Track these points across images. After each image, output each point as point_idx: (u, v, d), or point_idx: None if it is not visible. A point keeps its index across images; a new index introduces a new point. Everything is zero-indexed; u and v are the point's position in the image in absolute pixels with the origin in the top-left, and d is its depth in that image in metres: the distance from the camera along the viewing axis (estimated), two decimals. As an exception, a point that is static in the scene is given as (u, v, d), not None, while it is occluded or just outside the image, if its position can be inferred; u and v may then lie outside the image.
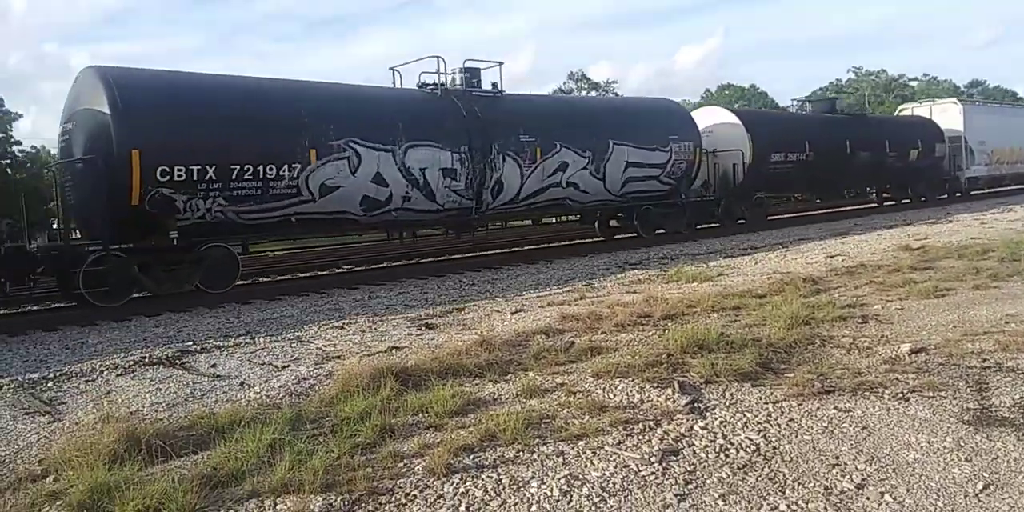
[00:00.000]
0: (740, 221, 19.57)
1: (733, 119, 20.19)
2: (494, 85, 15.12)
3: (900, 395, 4.54)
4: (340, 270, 14.90)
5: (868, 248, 12.83)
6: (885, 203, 27.12)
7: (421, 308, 9.26)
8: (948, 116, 28.02)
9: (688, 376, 5.13)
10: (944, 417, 4.14)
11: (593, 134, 15.79)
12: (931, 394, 4.53)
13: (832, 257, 11.74)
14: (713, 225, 18.98)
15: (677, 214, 17.70)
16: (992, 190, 30.77)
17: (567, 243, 18.30)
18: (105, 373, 6.32)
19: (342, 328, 8.02)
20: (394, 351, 6.56)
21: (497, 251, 17.07)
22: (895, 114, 32.52)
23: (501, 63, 15.28)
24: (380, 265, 15.44)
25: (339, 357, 6.45)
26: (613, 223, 18.04)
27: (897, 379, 4.87)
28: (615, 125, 16.49)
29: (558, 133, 15.13)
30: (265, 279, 13.83)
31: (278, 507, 3.42)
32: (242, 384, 5.72)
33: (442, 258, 16.00)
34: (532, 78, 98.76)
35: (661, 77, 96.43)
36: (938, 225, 16.71)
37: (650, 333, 6.63)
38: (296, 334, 7.83)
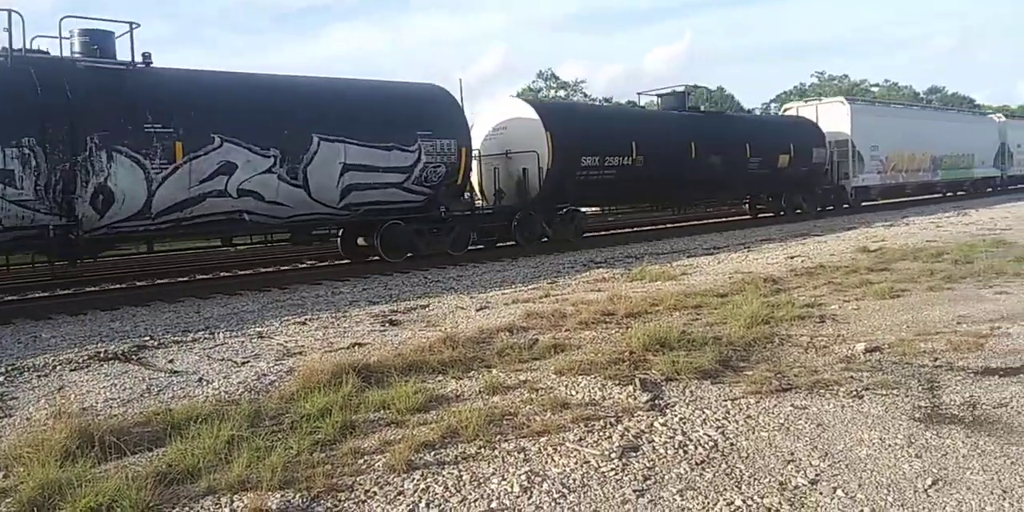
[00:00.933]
0: (544, 240, 16.00)
1: (530, 113, 15.90)
2: (145, 56, 10.87)
3: (855, 393, 4.64)
4: (303, 266, 14.75)
5: (827, 250, 13.07)
6: (761, 215, 23.57)
7: (385, 304, 9.21)
8: (834, 117, 24.56)
9: (650, 373, 5.18)
10: (896, 414, 4.23)
11: (284, 125, 11.61)
12: (884, 392, 4.63)
13: (792, 258, 11.94)
14: (509, 244, 15.50)
15: (442, 231, 13.93)
16: (889, 201, 27.96)
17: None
18: (58, 368, 6.17)
19: (304, 324, 7.94)
20: (357, 347, 6.51)
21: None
22: (780, 114, 29.31)
23: (133, 24, 10.74)
24: (345, 261, 15.31)
25: (300, 353, 6.38)
26: (361, 242, 13.92)
27: (852, 377, 4.97)
28: (325, 115, 12.16)
29: (220, 123, 10.95)
30: (226, 274, 13.64)
31: (235, 504, 3.37)
32: (200, 380, 5.63)
33: (408, 254, 15.90)
34: (504, 75, 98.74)
35: (631, 78, 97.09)
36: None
37: (613, 331, 6.68)
38: (257, 329, 7.73)
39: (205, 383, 5.53)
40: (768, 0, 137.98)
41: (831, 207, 24.53)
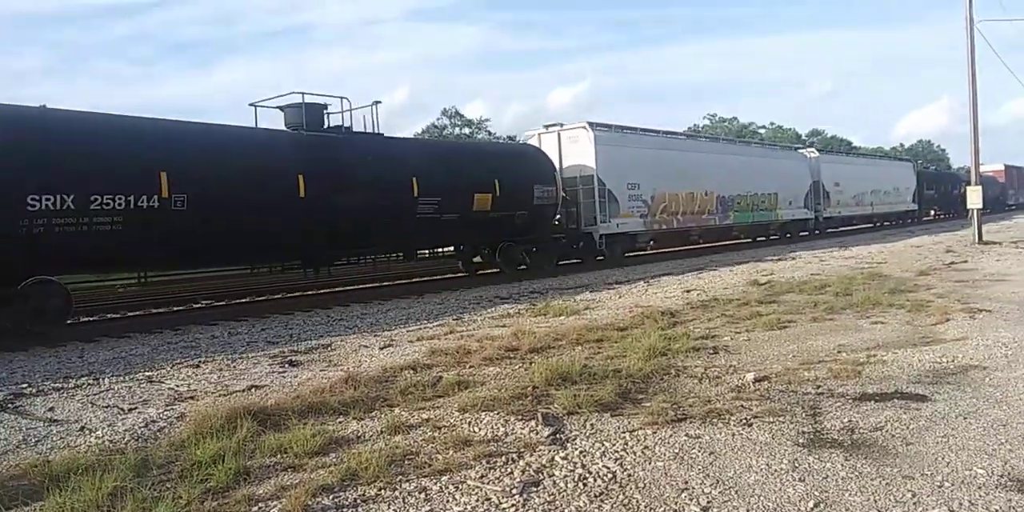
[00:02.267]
0: None
1: None
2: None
3: (744, 421, 4.84)
4: (199, 305, 14.19)
5: (721, 284, 13.64)
6: (481, 272, 18.46)
7: (285, 344, 8.96)
8: (579, 148, 19.65)
9: (552, 408, 5.25)
10: (782, 440, 4.44)
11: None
12: (771, 419, 4.85)
13: (689, 291, 12.39)
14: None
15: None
16: (659, 251, 23.60)
17: (439, 277, 18.31)
18: (-80, 421, 5.70)
19: (197, 367, 7.64)
20: (253, 390, 6.31)
21: (367, 285, 16.83)
22: (517, 141, 23.93)
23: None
24: (243, 299, 14.84)
25: (193, 398, 6.13)
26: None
27: (742, 406, 5.19)
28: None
29: None
30: (114, 315, 12.96)
31: (117, 560, 3.19)
32: (82, 429, 5.31)
33: (309, 292, 15.59)
34: (409, 112, 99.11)
35: (536, 116, 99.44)
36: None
37: (517, 366, 6.74)
38: (146, 374, 7.37)
39: (88, 432, 5.22)
40: (665, 43, 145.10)
41: (578, 260, 19.90)
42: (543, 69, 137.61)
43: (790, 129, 78.21)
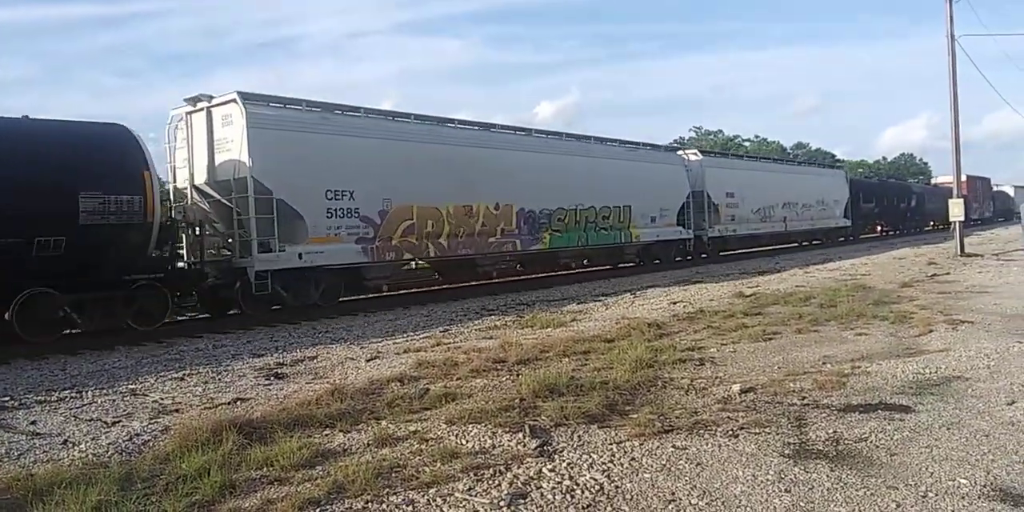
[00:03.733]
0: None
1: None
2: None
3: (731, 432, 4.86)
4: (182, 317, 14.07)
5: (707, 295, 13.71)
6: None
7: (271, 356, 8.92)
8: (232, 133, 13.00)
9: (539, 420, 5.26)
10: (768, 451, 4.47)
11: None
12: (757, 430, 4.88)
13: (675, 303, 12.44)
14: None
15: None
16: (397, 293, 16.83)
17: (425, 289, 18.24)
18: (-101, 435, 5.62)
19: (182, 380, 7.58)
20: (239, 402, 6.27)
21: (357, 298, 16.75)
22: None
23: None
24: (233, 312, 14.70)
25: (177, 411, 6.08)
26: None
27: (729, 417, 5.22)
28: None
29: None
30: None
31: (101, 575, 3.16)
32: (65, 442, 5.26)
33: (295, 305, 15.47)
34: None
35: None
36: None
37: (504, 378, 6.74)
38: (130, 387, 7.31)
39: (71, 445, 5.17)
40: (651, 58, 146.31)
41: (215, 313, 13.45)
42: (528, 82, 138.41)
43: (775, 142, 79.05)
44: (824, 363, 6.99)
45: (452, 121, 17.49)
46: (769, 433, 4.83)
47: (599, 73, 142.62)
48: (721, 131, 76.53)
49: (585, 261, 21.11)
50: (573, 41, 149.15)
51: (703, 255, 24.63)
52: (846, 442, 4.62)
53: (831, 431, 4.85)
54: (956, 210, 22.35)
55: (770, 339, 8.39)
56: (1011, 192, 67.27)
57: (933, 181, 59.46)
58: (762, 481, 3.99)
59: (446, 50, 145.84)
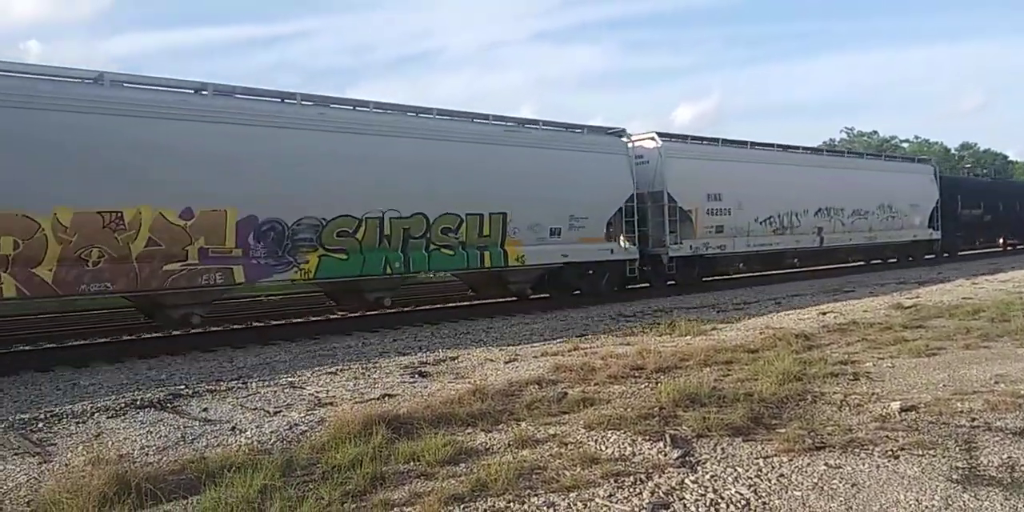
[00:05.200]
0: None
1: None
2: None
3: (890, 452, 4.56)
4: (334, 316, 14.90)
5: (860, 306, 12.92)
6: None
7: (415, 355, 9.27)
8: None
9: (680, 429, 5.15)
10: (933, 475, 4.15)
11: None
12: (920, 452, 4.55)
13: (824, 314, 11.81)
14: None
15: None
16: None
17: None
18: (96, 415, 6.29)
19: (335, 374, 8.02)
20: (387, 398, 6.56)
21: (495, 300, 17.10)
22: None
23: None
24: (373, 312, 15.43)
25: (331, 403, 6.44)
26: None
27: (887, 436, 4.89)
28: None
29: None
30: (259, 323, 13.82)
31: (266, 554, 3.40)
32: (233, 429, 5.70)
33: (437, 306, 16.03)
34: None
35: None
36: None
37: (643, 386, 6.66)
38: (289, 379, 7.82)
39: (238, 432, 5.59)
40: (794, 58, 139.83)
41: None
42: (667, 86, 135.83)
43: (937, 142, 73.31)
44: (996, 382, 6.38)
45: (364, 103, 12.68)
46: (934, 455, 4.48)
47: (740, 75, 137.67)
48: (876, 132, 71.81)
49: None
50: (713, 43, 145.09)
51: (670, 282, 17.77)
52: (1023, 469, 4.22)
53: (1005, 456, 4.44)
54: None
55: (933, 354, 7.75)
56: None
57: None
58: (927, 507, 3.71)
59: (582, 56, 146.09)
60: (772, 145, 21.55)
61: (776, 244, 20.34)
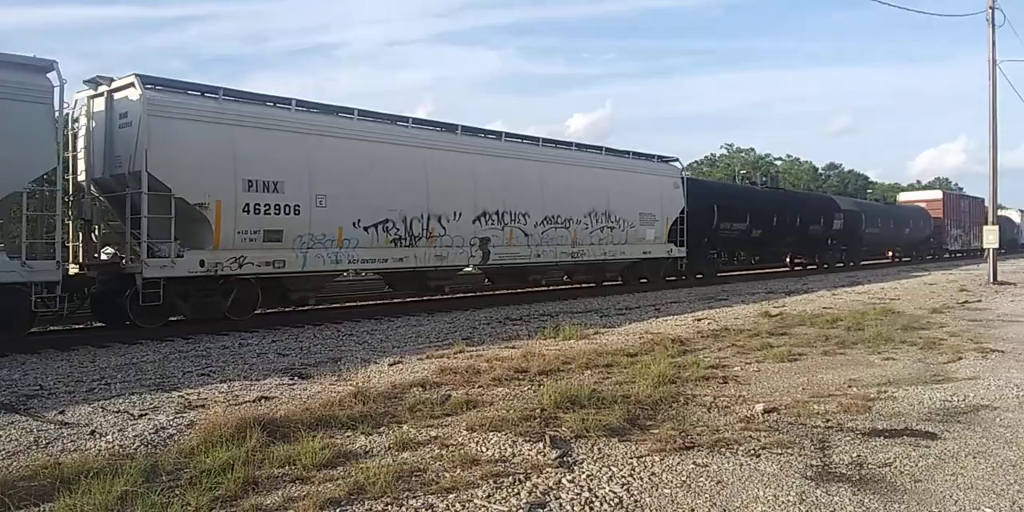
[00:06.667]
0: None
1: None
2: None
3: (752, 451, 4.83)
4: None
5: (732, 313, 13.61)
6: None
7: (295, 357, 9.01)
8: None
9: (560, 431, 5.25)
10: (790, 473, 4.43)
11: None
12: (779, 451, 4.84)
13: (699, 320, 12.37)
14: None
15: None
16: None
17: (450, 296, 18.31)
18: (-66, 418, 5.75)
19: (208, 376, 7.68)
20: (263, 401, 6.34)
21: (377, 302, 16.87)
22: None
23: None
24: (254, 311, 14.86)
25: (203, 406, 6.16)
26: None
27: (751, 436, 5.18)
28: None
29: None
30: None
31: (125, 564, 3.21)
32: (93, 433, 5.35)
33: (320, 306, 15.64)
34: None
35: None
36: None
37: (526, 388, 6.75)
38: (157, 381, 7.42)
39: (98, 436, 5.26)
40: (683, 73, 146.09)
41: None
42: (563, 94, 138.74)
43: (807, 162, 78.29)
44: (850, 386, 6.90)
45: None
46: (791, 454, 4.78)
47: (633, 87, 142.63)
48: (753, 149, 75.93)
49: None
50: (609, 54, 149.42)
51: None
52: (870, 466, 4.56)
53: (855, 455, 4.79)
54: (991, 237, 22.66)
55: (795, 360, 8.31)
56: (1017, 218, 55.39)
57: (900, 199, 50.22)
58: (783, 502, 3.95)
59: (482, 60, 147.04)
60: (384, 115, 14.80)
61: (400, 259, 14.32)
